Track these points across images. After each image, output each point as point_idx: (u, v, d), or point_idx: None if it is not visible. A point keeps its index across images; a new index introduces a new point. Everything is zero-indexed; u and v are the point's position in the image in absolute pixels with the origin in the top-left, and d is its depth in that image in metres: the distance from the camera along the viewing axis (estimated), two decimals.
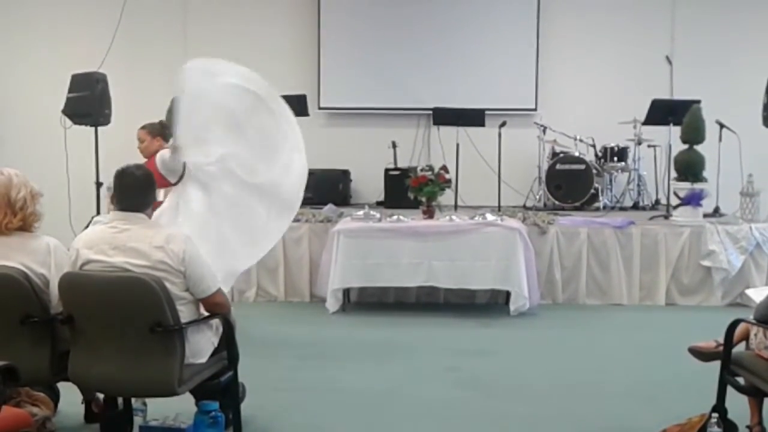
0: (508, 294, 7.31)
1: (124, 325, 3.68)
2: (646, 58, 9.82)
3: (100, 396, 4.27)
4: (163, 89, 8.66)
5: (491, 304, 7.68)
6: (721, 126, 8.37)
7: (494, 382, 5.32)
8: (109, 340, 3.72)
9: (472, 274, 7.21)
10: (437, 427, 4.49)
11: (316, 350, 6.12)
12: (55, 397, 4.38)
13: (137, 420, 4.17)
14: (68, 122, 8.17)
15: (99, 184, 8.07)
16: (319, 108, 9.99)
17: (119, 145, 8.37)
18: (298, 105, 8.83)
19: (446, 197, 8.07)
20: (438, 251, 7.21)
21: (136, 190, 3.89)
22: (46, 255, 3.91)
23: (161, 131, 6.31)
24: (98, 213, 7.72)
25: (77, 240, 3.88)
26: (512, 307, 7.17)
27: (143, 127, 6.34)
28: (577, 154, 9.12)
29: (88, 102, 7.98)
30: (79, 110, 8.01)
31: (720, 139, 8.35)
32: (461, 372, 5.53)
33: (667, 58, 9.88)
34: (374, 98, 10.07)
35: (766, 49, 9.43)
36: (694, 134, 8.07)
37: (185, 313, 3.77)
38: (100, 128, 8.13)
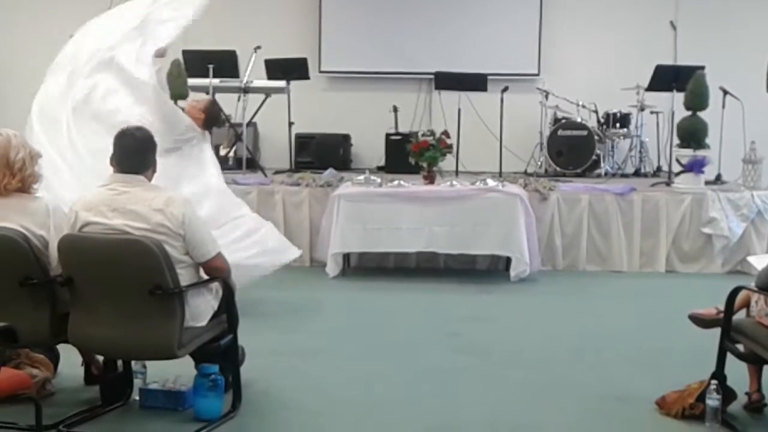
0: (508, 260, 7.30)
1: (124, 288, 3.67)
2: (650, 24, 9.74)
3: (100, 358, 4.28)
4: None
5: (491, 270, 7.67)
6: (725, 92, 8.33)
7: (494, 348, 5.32)
8: (109, 302, 3.72)
9: (473, 239, 7.20)
10: (436, 392, 4.49)
11: (316, 314, 6.13)
12: (54, 359, 4.39)
13: (137, 383, 4.18)
14: None
15: None
16: (320, 72, 9.93)
17: None
18: (299, 68, 8.80)
19: (447, 162, 8.04)
20: (438, 217, 7.19)
21: (135, 152, 3.86)
22: (45, 216, 3.90)
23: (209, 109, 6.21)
24: None
25: (76, 202, 3.86)
26: (512, 273, 7.16)
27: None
28: (579, 120, 9.08)
29: None
30: None
31: (723, 106, 8.30)
32: (461, 338, 5.54)
33: (672, 23, 9.79)
34: (375, 62, 10.00)
35: None
36: (697, 101, 8.03)
37: (185, 277, 3.76)
38: None
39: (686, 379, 4.20)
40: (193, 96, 8.04)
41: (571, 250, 7.77)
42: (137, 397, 4.15)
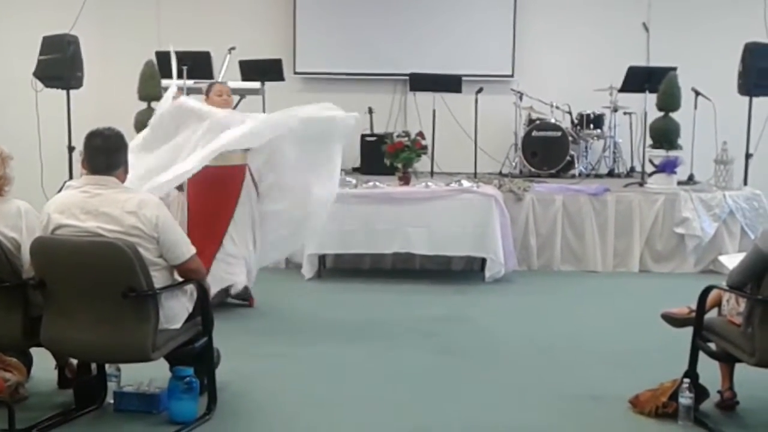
0: (483, 261, 7.32)
1: (97, 290, 3.65)
2: (622, 25, 9.80)
3: (74, 361, 4.25)
4: (136, 52, 8.62)
5: (467, 271, 7.69)
6: (697, 93, 8.40)
7: (470, 348, 5.34)
8: (82, 305, 3.69)
9: (448, 240, 7.21)
10: (412, 392, 4.50)
11: (292, 316, 6.12)
12: (27, 362, 4.35)
13: (111, 386, 4.15)
14: (39, 85, 8.04)
15: (71, 148, 7.98)
16: (295, 73, 9.90)
17: (91, 108, 8.27)
18: (274, 70, 8.76)
19: (422, 164, 8.04)
20: (414, 218, 7.20)
21: (105, 151, 3.83)
22: (17, 218, 3.87)
23: None
24: (71, 177, 7.64)
25: (48, 204, 3.83)
26: (488, 273, 7.19)
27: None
28: (553, 121, 9.12)
29: (59, 65, 7.86)
30: (50, 73, 7.89)
31: (695, 107, 8.38)
32: (437, 338, 5.55)
33: (644, 24, 9.87)
34: (350, 63, 9.99)
35: (743, 17, 9.43)
36: (669, 102, 8.10)
37: (159, 279, 3.74)
38: (72, 91, 8.01)
39: (659, 377, 4.24)
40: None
41: (545, 251, 7.81)
42: (111, 401, 4.13)
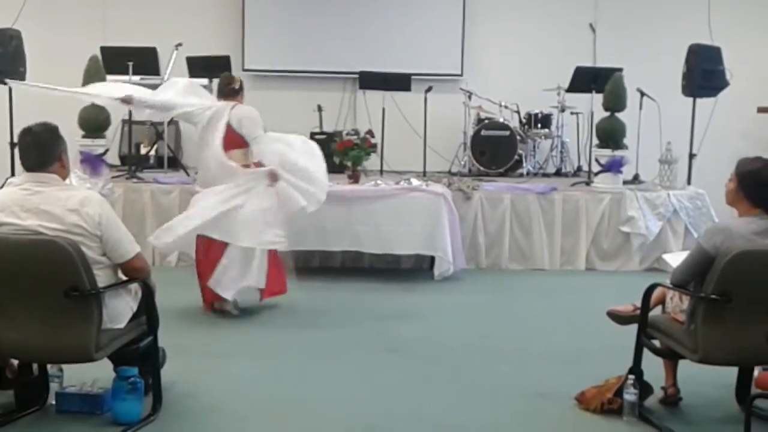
0: (432, 259, 7.34)
1: (39, 290, 3.58)
2: (570, 26, 9.91)
3: (15, 362, 4.15)
4: (79, 46, 8.47)
5: (416, 269, 7.71)
6: (642, 94, 8.52)
7: (418, 346, 5.35)
8: (23, 304, 3.62)
9: (397, 239, 7.22)
10: (361, 391, 4.49)
11: (240, 315, 6.06)
12: None
13: (53, 386, 4.08)
14: None
15: (13, 145, 7.80)
16: (243, 70, 9.80)
17: (34, 103, 8.07)
18: (222, 66, 8.65)
19: (372, 162, 8.05)
20: (363, 216, 7.19)
21: (37, 147, 3.76)
22: None
23: None
24: (12, 174, 7.47)
25: None
26: (436, 272, 7.21)
27: None
28: (501, 120, 9.17)
29: (1, 59, 7.68)
30: None
31: (641, 107, 8.50)
32: (386, 336, 5.55)
33: (591, 25, 9.98)
34: (300, 61, 9.95)
35: (687, 18, 9.60)
36: (615, 102, 8.20)
37: (102, 278, 3.69)
38: None
39: (604, 374, 4.29)
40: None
41: (493, 249, 7.85)
42: (53, 402, 4.06)
